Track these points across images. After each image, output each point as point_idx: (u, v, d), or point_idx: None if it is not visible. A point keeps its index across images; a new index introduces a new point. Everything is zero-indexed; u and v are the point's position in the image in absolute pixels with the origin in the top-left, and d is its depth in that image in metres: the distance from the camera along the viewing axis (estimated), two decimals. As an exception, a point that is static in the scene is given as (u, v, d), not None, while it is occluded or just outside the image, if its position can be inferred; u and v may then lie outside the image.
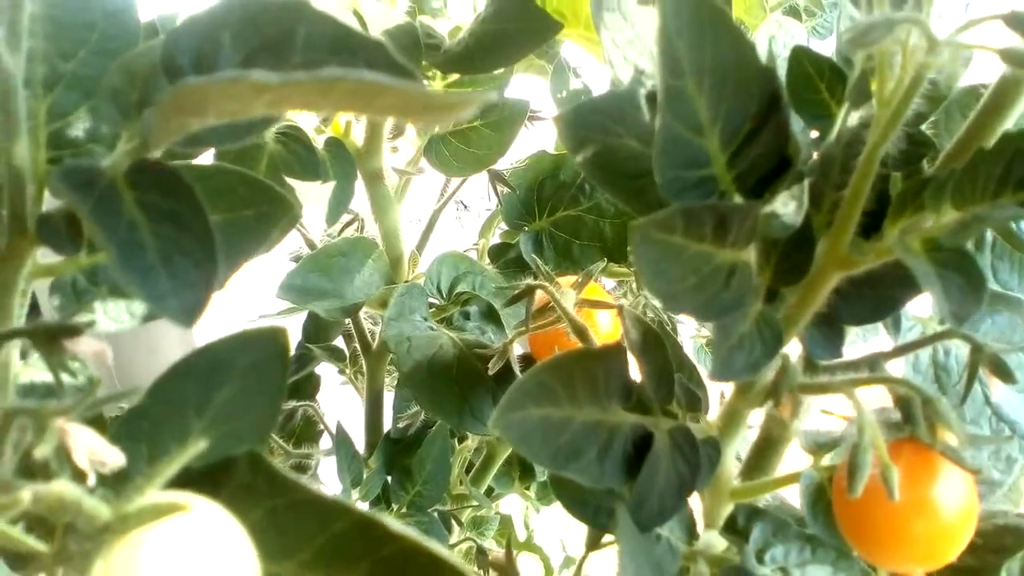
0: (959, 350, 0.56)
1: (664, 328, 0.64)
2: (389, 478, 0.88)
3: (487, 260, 0.89)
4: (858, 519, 0.44)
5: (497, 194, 0.86)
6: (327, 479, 0.94)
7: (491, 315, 0.77)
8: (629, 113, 0.47)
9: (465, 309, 0.77)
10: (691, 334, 1.05)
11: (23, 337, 0.34)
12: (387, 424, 0.93)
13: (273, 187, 0.44)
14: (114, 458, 0.29)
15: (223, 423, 0.37)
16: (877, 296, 0.45)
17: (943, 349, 0.56)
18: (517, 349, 0.71)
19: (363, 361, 0.92)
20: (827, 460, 0.50)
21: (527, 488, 1.04)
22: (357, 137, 0.77)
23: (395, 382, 0.95)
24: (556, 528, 1.08)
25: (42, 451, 0.28)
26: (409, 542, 0.31)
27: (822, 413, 0.50)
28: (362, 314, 0.88)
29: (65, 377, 0.40)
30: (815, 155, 0.45)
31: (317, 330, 0.98)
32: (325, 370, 1.01)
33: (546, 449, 0.42)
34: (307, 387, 0.99)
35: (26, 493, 0.26)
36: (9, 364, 0.36)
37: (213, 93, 0.29)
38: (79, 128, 0.40)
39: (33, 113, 0.38)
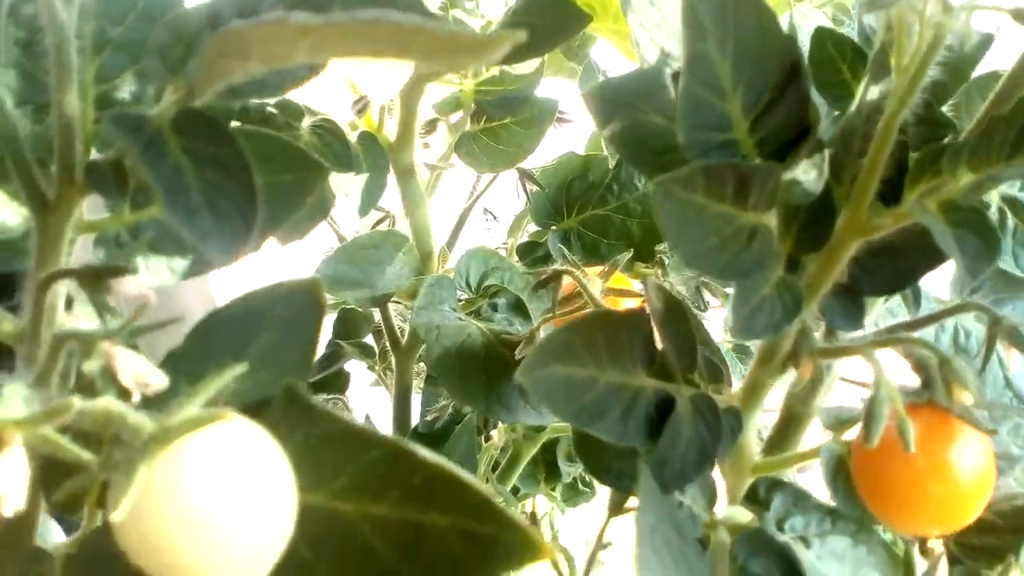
0: (980, 332, 0.57)
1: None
2: (416, 472, 0.89)
3: (515, 258, 0.90)
4: (876, 481, 0.45)
5: (527, 192, 0.88)
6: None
7: (519, 307, 0.78)
8: (655, 91, 0.49)
9: (493, 301, 0.79)
10: (719, 339, 1.05)
11: (71, 277, 0.36)
12: (415, 421, 0.94)
13: (310, 155, 0.45)
14: (157, 380, 0.31)
15: (260, 368, 0.38)
16: (896, 267, 0.46)
17: (964, 331, 0.57)
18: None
19: (392, 358, 0.93)
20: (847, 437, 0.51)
21: (552, 489, 1.05)
22: (390, 132, 0.79)
23: (423, 382, 0.96)
24: (581, 530, 1.09)
25: (89, 367, 0.30)
26: (438, 469, 0.33)
27: (842, 380, 0.51)
28: (392, 311, 0.89)
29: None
30: (836, 130, 0.46)
31: (347, 327, 1.00)
32: (354, 368, 1.03)
33: (570, 407, 0.43)
34: (337, 383, 1.00)
35: (75, 400, 0.27)
36: (56, 306, 0.37)
37: (257, 36, 0.31)
38: (125, 91, 0.42)
39: (82, 72, 0.40)
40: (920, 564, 0.49)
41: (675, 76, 0.49)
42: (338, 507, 0.34)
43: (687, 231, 0.40)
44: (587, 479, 1.07)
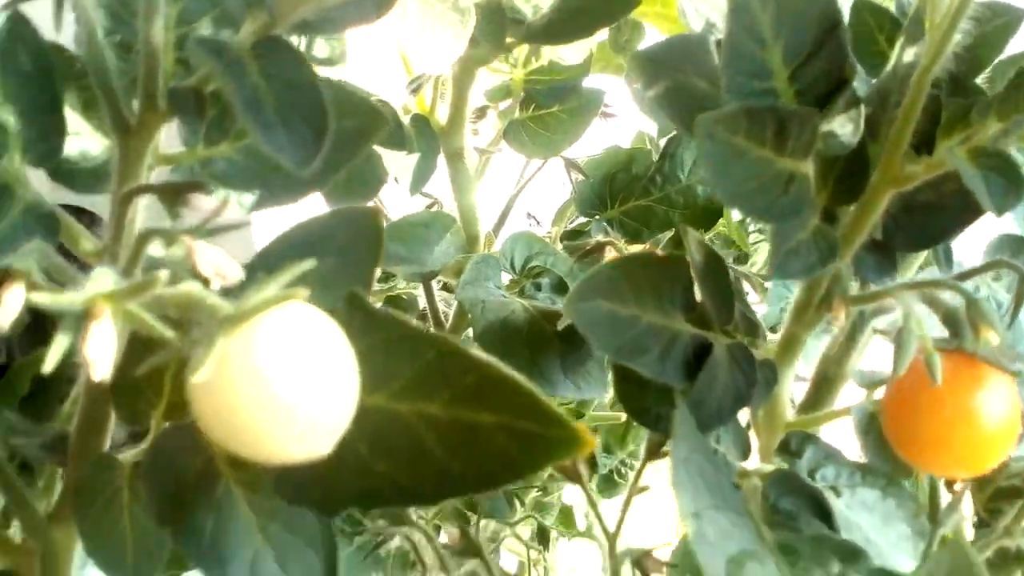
0: (1010, 301, 0.58)
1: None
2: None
3: (559, 246, 0.93)
4: (905, 424, 0.46)
5: (572, 181, 0.90)
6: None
7: (562, 287, 0.80)
8: (699, 55, 0.51)
9: (537, 281, 0.81)
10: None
11: (151, 192, 0.39)
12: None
13: (371, 102, 0.48)
14: (235, 272, 0.33)
15: (323, 291, 0.41)
16: (929, 223, 0.48)
17: (995, 302, 0.59)
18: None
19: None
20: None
21: (589, 479, 1.06)
22: (441, 116, 0.81)
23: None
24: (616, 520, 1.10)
25: (172, 253, 0.32)
26: (490, 369, 0.35)
27: (875, 333, 0.53)
28: (437, 297, 0.92)
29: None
30: (873, 89, 0.49)
31: (393, 312, 1.02)
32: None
33: (612, 341, 0.45)
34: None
35: (160, 276, 0.30)
36: (135, 221, 0.40)
37: (333, -40, 0.34)
38: (203, 35, 0.45)
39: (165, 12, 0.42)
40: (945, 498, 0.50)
41: (718, 43, 0.51)
42: (395, 407, 0.36)
43: (728, 172, 0.42)
44: (622, 471, 1.09)
